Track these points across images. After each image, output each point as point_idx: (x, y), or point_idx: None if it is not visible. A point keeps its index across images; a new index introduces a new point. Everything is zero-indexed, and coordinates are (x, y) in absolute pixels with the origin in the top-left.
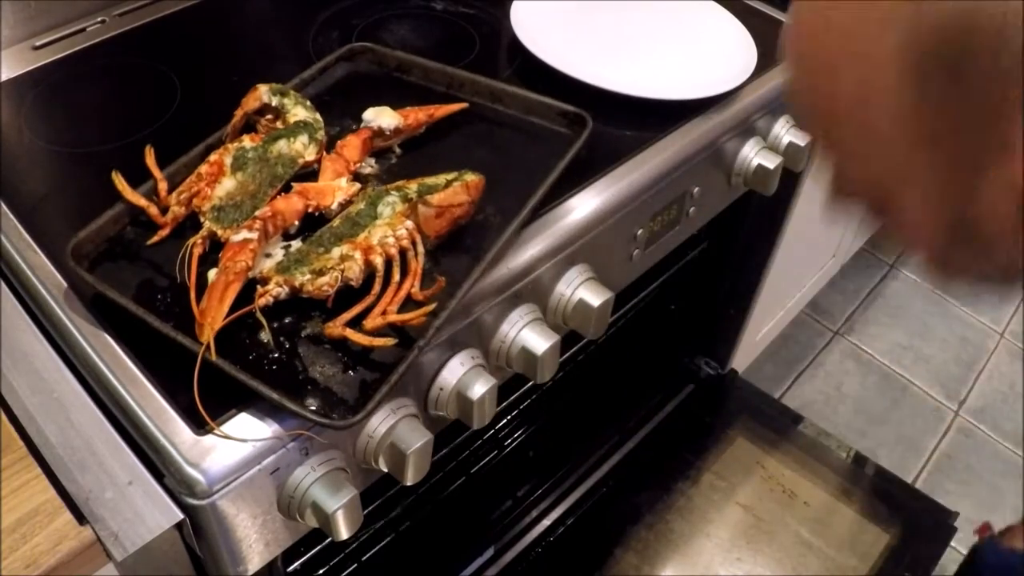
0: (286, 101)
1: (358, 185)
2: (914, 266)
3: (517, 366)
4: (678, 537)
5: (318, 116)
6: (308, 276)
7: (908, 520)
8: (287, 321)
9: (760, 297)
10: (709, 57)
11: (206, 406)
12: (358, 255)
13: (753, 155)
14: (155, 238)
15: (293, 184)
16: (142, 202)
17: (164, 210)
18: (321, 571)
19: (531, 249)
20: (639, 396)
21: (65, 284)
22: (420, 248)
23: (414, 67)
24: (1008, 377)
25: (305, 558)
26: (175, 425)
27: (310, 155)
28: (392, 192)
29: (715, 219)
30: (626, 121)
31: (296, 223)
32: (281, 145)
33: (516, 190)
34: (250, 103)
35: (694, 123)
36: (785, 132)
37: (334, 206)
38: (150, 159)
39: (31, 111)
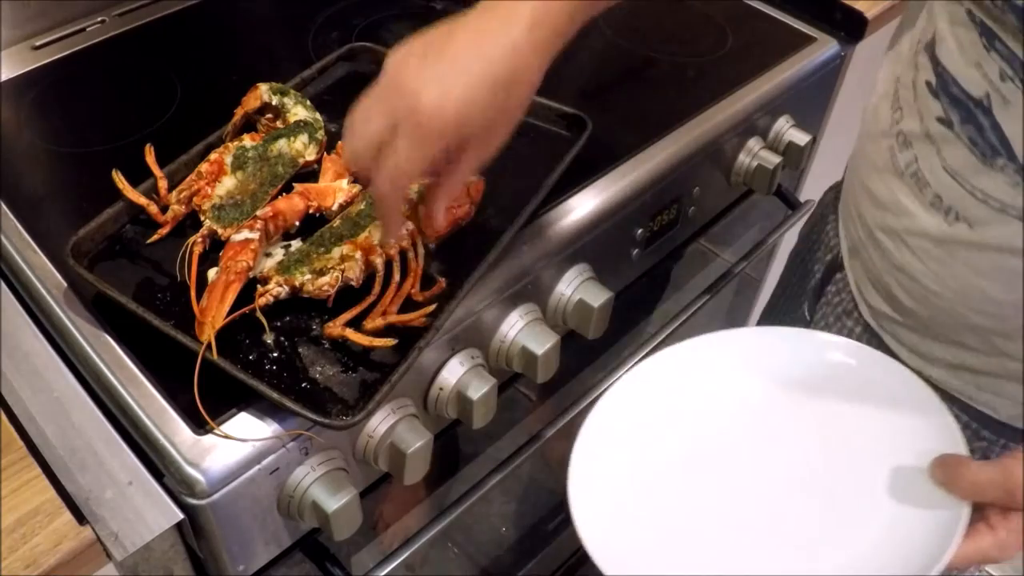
0: (286, 100)
1: (359, 186)
2: None
3: (517, 366)
4: None
5: (318, 116)
6: (308, 276)
7: None
8: (287, 321)
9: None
10: None
11: (206, 406)
12: (358, 255)
13: (753, 155)
14: (155, 236)
15: (294, 184)
16: (142, 200)
17: (164, 208)
18: None
19: (531, 249)
20: None
21: (65, 284)
22: (420, 249)
23: None
24: None
25: None
26: (175, 425)
27: (310, 155)
28: None
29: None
30: (626, 121)
31: (297, 223)
32: (281, 144)
33: (516, 192)
34: (250, 102)
35: (694, 123)
36: (785, 132)
37: (335, 207)
38: (150, 157)
39: (31, 111)
